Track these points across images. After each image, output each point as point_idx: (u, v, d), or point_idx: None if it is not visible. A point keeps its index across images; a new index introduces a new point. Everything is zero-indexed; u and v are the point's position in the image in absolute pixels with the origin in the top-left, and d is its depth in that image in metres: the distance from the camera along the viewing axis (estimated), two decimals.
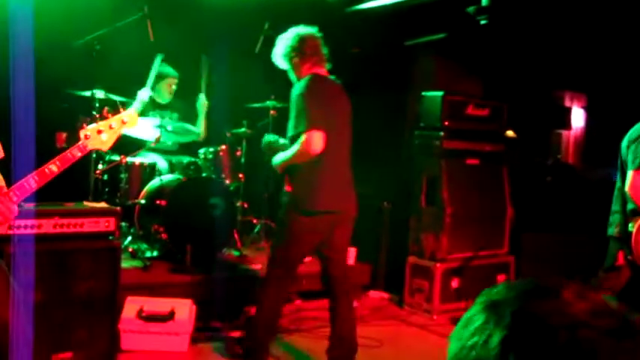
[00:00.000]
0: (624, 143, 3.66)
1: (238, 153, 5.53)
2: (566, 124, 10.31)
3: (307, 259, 4.38)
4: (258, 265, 4.98)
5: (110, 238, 3.64)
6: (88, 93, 4.97)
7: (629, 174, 3.55)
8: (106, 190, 5.10)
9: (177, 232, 4.85)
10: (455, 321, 4.99)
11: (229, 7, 5.50)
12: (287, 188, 3.59)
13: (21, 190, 2.53)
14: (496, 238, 5.64)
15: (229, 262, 5.16)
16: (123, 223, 5.00)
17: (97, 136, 2.74)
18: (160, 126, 5.11)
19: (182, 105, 5.70)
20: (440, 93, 5.37)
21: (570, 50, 6.37)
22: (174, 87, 5.63)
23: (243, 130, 5.59)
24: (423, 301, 5.27)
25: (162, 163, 5.39)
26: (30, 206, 3.27)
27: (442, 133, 5.33)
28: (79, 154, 2.66)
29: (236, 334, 4.16)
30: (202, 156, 5.40)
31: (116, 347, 3.78)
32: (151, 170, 5.21)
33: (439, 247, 5.29)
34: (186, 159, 5.46)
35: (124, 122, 2.82)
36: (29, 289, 3.14)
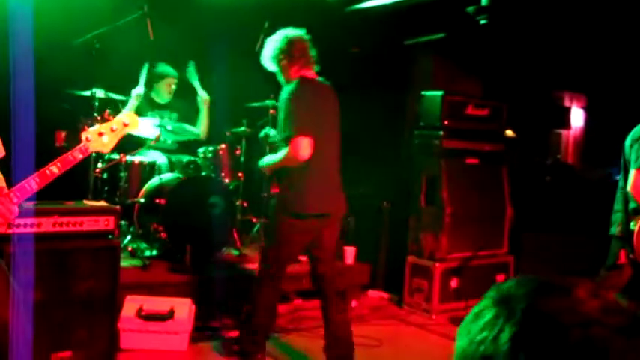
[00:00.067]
0: (627, 142, 3.67)
1: (238, 152, 5.53)
2: (566, 124, 10.32)
3: (304, 258, 4.39)
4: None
5: (110, 237, 3.64)
6: (87, 92, 4.97)
7: (632, 173, 3.56)
8: (106, 188, 5.10)
9: (177, 231, 4.85)
10: (454, 320, 5.02)
11: (229, 6, 5.50)
12: (273, 190, 3.63)
13: (22, 192, 2.54)
14: (495, 238, 5.64)
15: (229, 262, 5.16)
16: (122, 222, 4.99)
17: (99, 138, 2.75)
18: (160, 125, 5.11)
19: (182, 104, 5.70)
20: (439, 93, 5.38)
21: (569, 50, 6.37)
22: (173, 87, 5.62)
23: (242, 129, 5.59)
24: (423, 301, 5.27)
25: (162, 159, 5.39)
26: (30, 205, 3.27)
27: (442, 133, 5.33)
28: (81, 157, 2.68)
29: (235, 333, 4.16)
30: (202, 155, 5.41)
31: (116, 346, 3.78)
32: (151, 169, 5.22)
33: (438, 247, 5.30)
34: (185, 158, 5.46)
35: (125, 125, 2.82)
36: (29, 288, 3.14)
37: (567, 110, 10.31)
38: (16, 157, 3.08)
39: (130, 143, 5.09)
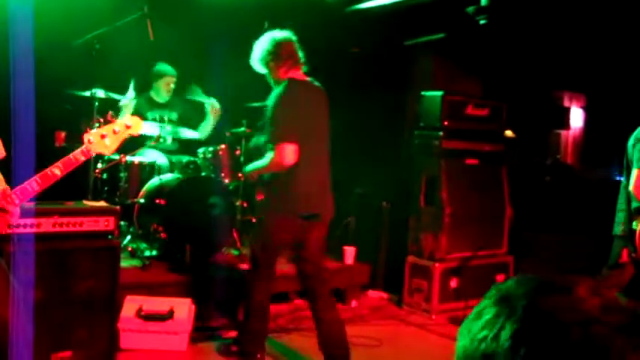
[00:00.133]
0: (630, 142, 3.68)
1: (237, 152, 5.52)
2: (565, 124, 10.33)
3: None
4: None
5: (109, 237, 3.64)
6: (87, 92, 4.97)
7: (634, 172, 3.57)
8: (106, 189, 5.11)
9: (177, 232, 4.85)
10: (454, 321, 5.02)
11: (229, 6, 5.50)
12: (258, 197, 3.66)
13: (23, 193, 2.54)
14: (495, 238, 5.64)
15: (228, 262, 5.16)
16: (122, 223, 5.00)
17: (101, 140, 2.75)
18: (159, 126, 5.11)
19: (181, 103, 5.71)
20: (439, 93, 5.38)
21: (569, 51, 6.38)
22: (172, 85, 5.63)
23: (242, 129, 5.59)
24: (422, 301, 5.27)
25: (162, 159, 5.40)
26: (30, 205, 3.27)
27: (441, 133, 5.33)
28: (83, 159, 2.69)
29: (234, 333, 4.16)
30: (202, 155, 5.41)
31: (115, 346, 3.78)
32: (151, 169, 5.22)
33: (438, 247, 5.30)
34: (185, 158, 5.46)
35: (127, 127, 2.82)
36: (29, 288, 3.14)
37: (567, 110, 10.32)
38: (16, 158, 3.08)
39: (130, 142, 5.08)
